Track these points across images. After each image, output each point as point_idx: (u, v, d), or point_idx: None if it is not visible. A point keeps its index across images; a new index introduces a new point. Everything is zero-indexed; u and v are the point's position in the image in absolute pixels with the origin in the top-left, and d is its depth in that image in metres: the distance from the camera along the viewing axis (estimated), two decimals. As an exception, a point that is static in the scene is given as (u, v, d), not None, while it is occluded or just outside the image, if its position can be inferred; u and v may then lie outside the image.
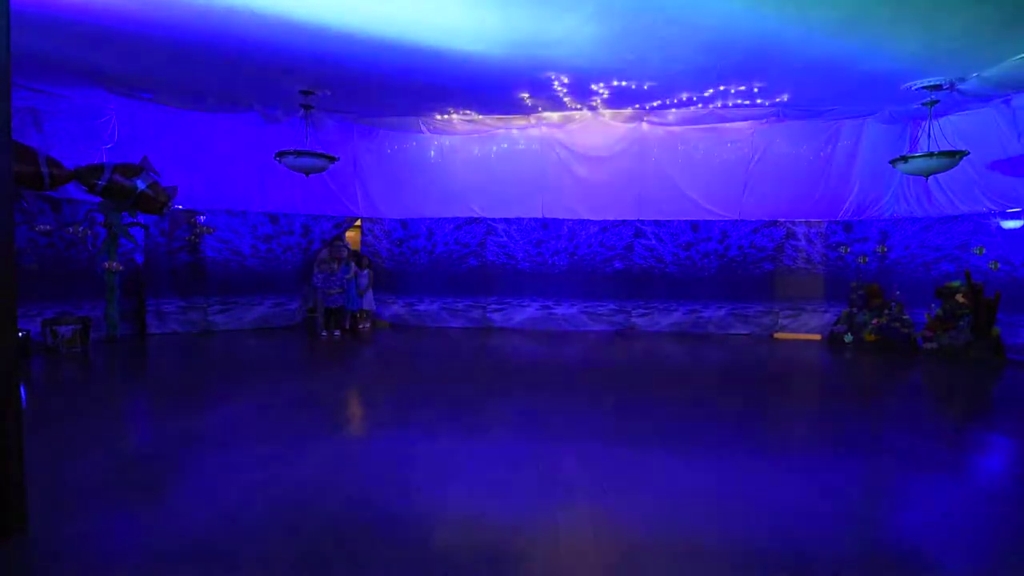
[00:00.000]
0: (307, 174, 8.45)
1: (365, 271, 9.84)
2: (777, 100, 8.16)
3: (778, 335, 9.93)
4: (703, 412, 5.15)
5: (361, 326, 9.84)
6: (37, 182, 7.17)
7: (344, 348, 8.36)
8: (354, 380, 6.81)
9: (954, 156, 7.16)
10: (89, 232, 8.18)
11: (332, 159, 8.30)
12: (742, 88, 7.64)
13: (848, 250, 9.89)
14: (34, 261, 7.64)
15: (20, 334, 6.33)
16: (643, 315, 10.42)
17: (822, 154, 9.60)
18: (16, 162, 6.65)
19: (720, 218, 10.07)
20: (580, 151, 10.11)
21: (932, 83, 7.02)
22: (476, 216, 10.56)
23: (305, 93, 7.87)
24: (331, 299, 9.28)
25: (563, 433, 4.39)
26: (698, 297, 10.28)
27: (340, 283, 9.30)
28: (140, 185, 8.00)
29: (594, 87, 7.70)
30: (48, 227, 7.78)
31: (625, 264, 10.40)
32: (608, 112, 9.06)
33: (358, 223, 10.94)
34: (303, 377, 6.72)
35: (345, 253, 9.76)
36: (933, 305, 8.54)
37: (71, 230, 7.98)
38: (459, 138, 10.15)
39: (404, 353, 8.30)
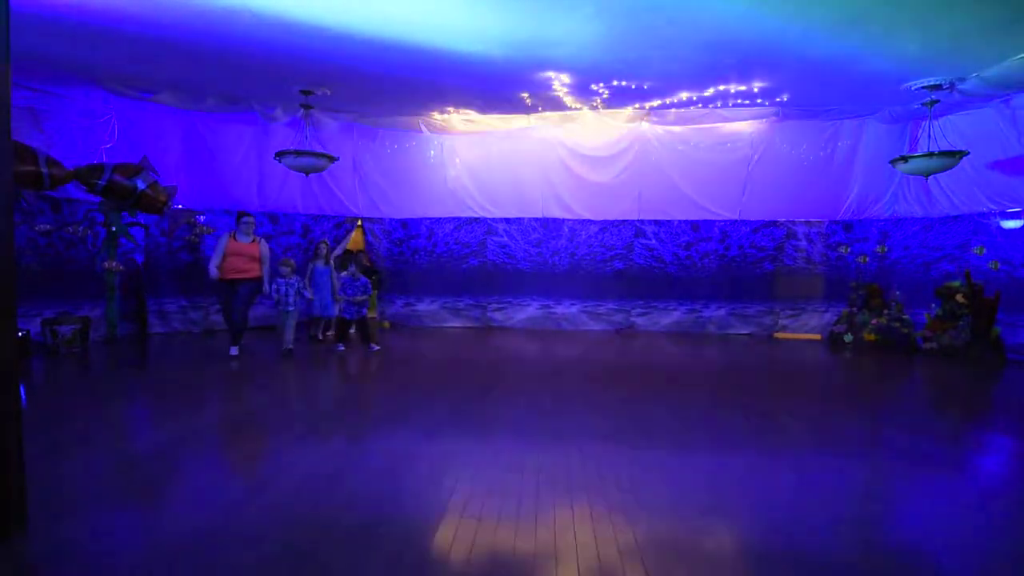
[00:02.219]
0: (307, 174, 8.45)
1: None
2: (777, 100, 8.16)
3: (778, 335, 9.94)
4: (703, 411, 5.15)
5: (351, 331, 9.22)
6: (37, 182, 7.16)
7: (341, 350, 8.34)
8: (352, 380, 6.80)
9: (954, 156, 7.16)
10: (89, 232, 8.18)
11: (332, 159, 8.29)
12: (742, 88, 7.64)
13: (848, 250, 9.89)
14: (34, 261, 7.65)
15: (20, 334, 6.34)
16: (643, 314, 10.43)
17: (822, 154, 9.59)
18: (16, 162, 6.66)
19: (720, 218, 10.07)
20: (580, 151, 10.11)
21: (932, 83, 7.01)
22: (476, 216, 10.56)
23: (305, 93, 7.87)
24: (351, 310, 7.84)
25: (563, 432, 4.39)
26: (698, 297, 10.29)
27: (364, 288, 7.87)
28: (140, 185, 7.99)
29: (594, 87, 7.69)
30: (48, 227, 7.77)
31: (625, 264, 10.40)
32: (608, 112, 9.05)
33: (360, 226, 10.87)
34: (302, 377, 6.71)
35: (324, 251, 8.65)
36: (933, 305, 8.54)
37: (71, 230, 7.97)
38: (459, 138, 10.14)
39: (404, 352, 8.29)
